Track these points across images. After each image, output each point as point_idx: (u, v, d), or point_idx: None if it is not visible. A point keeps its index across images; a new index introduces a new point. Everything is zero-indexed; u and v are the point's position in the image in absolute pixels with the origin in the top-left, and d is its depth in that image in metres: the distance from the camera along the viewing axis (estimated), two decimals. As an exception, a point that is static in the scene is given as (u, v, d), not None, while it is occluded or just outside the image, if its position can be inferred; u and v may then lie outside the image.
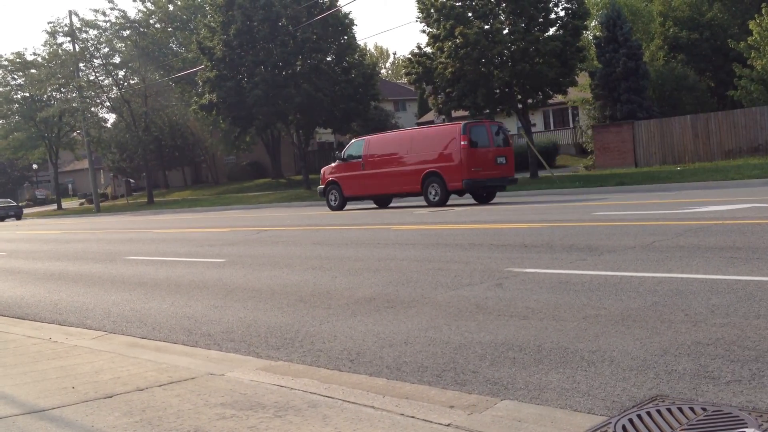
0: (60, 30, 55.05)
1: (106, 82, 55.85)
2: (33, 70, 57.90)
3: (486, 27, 32.13)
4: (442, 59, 31.95)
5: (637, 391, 3.82)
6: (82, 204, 63.98)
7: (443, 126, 23.86)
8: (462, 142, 21.15)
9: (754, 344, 4.39)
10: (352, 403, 3.89)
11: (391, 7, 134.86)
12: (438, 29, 32.47)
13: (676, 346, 4.50)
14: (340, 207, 24.60)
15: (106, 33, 54.31)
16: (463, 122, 22.25)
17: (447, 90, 32.64)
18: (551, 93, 33.26)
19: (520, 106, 33.58)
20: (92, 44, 54.66)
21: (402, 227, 14.48)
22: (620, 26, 35.40)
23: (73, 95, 54.03)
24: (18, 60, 58.89)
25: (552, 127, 47.29)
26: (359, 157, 23.92)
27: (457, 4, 32.58)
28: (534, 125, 40.72)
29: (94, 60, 55.23)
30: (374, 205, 25.29)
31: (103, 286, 9.74)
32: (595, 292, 6.25)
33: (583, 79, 36.83)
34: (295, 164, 54.48)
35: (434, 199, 21.85)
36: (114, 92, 55.31)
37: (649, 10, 42.69)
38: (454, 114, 34.84)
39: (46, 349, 5.90)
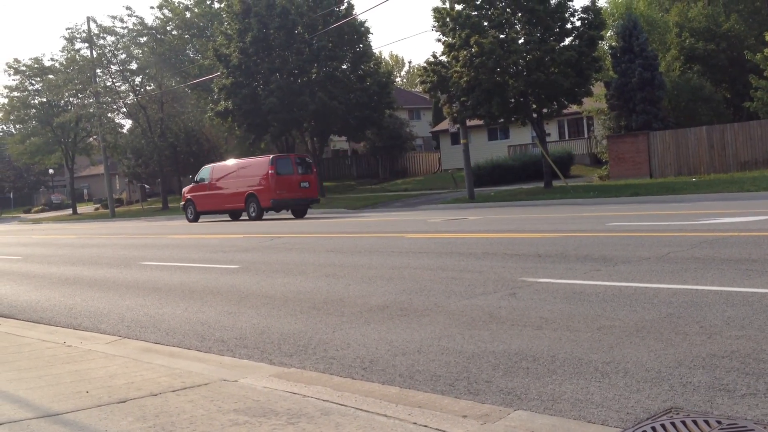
0: (78, 36, 55.53)
1: (123, 88, 56.14)
2: (50, 76, 58.27)
3: (501, 36, 32.15)
4: (458, 68, 31.93)
5: (652, 403, 3.80)
6: (97, 209, 64.22)
7: (259, 158, 30.14)
8: (270, 171, 27.32)
9: (770, 357, 4.35)
10: (365, 411, 3.89)
11: (407, 15, 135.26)
12: (453, 38, 32.46)
13: (690, 358, 4.48)
14: (195, 219, 30.74)
15: (124, 39, 54.63)
16: (271, 155, 29.04)
17: (462, 99, 32.60)
18: (566, 103, 33.13)
19: (534, 115, 33.47)
20: (109, 50, 54.97)
21: (416, 235, 14.47)
22: (636, 36, 35.31)
23: (90, 101, 54.29)
24: (36, 65, 59.34)
25: (567, 137, 47.12)
26: (207, 180, 30.33)
27: (473, 13, 32.57)
28: (548, 135, 40.57)
29: (111, 66, 55.52)
30: (227, 218, 30.97)
31: (117, 291, 9.77)
32: (610, 303, 6.23)
33: (598, 89, 36.73)
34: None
35: (253, 213, 28.04)
36: (130, 98, 55.56)
37: (665, 20, 42.57)
38: (469, 123, 34.77)
39: (60, 353, 5.93)
